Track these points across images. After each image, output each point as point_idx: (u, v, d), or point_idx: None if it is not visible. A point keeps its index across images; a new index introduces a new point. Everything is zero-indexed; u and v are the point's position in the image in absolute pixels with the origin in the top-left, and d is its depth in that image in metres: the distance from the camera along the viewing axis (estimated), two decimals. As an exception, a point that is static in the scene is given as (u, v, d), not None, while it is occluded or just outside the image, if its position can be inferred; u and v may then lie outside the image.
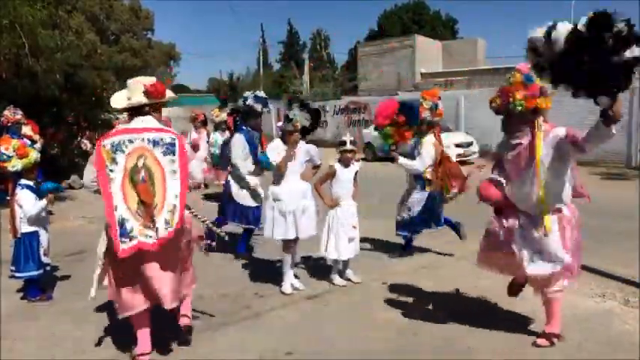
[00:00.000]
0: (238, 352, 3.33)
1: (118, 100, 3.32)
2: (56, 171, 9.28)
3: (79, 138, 11.81)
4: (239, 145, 5.25)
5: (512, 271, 3.46)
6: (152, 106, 3.25)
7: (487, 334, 3.49)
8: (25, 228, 4.27)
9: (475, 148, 15.03)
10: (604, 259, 4.92)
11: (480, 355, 3.21)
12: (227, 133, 7.97)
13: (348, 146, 4.45)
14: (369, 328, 3.66)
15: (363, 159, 10.07)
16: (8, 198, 4.39)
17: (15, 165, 4.16)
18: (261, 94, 5.50)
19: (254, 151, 5.32)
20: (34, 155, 4.28)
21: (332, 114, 22.48)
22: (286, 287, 4.40)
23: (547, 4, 61.70)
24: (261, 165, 4.94)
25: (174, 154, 3.13)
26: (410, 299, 4.18)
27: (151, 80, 3.24)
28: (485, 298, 4.17)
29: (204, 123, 10.20)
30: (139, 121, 3.20)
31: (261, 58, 39.92)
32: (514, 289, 3.67)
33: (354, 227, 4.55)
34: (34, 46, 7.70)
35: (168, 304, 3.11)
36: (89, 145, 11.72)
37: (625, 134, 12.86)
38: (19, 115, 4.87)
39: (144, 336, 3.19)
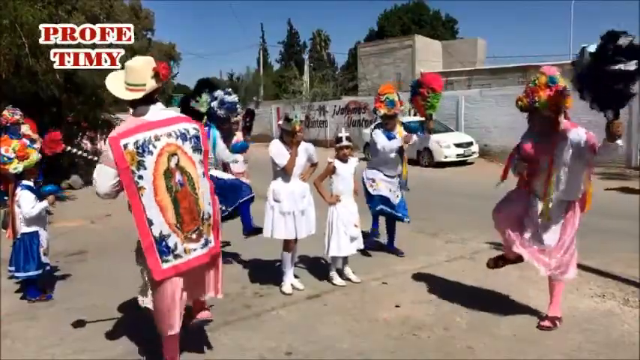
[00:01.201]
0: (238, 352, 3.33)
1: (119, 86, 2.75)
2: (56, 171, 9.27)
3: (79, 138, 11.81)
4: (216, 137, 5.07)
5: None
6: (157, 90, 2.81)
7: (487, 333, 3.49)
8: (24, 228, 4.27)
9: (475, 147, 15.05)
10: (604, 259, 4.92)
11: (480, 355, 3.21)
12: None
13: (344, 142, 4.52)
14: (369, 328, 3.66)
15: (363, 159, 10.08)
16: (6, 198, 4.38)
17: (17, 167, 4.15)
18: (230, 98, 4.84)
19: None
20: (34, 156, 4.27)
21: (332, 114, 22.46)
22: (286, 287, 4.40)
23: (547, 4, 61.85)
24: (243, 148, 5.29)
25: (201, 152, 2.78)
26: (410, 299, 4.17)
27: (152, 60, 2.75)
28: (485, 298, 4.17)
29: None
30: (155, 111, 2.75)
31: (261, 58, 39.90)
32: (496, 263, 3.91)
33: (356, 226, 4.57)
34: (34, 46, 7.69)
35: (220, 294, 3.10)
36: (89, 145, 11.72)
37: (625, 134, 12.83)
38: (17, 115, 4.87)
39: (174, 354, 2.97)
